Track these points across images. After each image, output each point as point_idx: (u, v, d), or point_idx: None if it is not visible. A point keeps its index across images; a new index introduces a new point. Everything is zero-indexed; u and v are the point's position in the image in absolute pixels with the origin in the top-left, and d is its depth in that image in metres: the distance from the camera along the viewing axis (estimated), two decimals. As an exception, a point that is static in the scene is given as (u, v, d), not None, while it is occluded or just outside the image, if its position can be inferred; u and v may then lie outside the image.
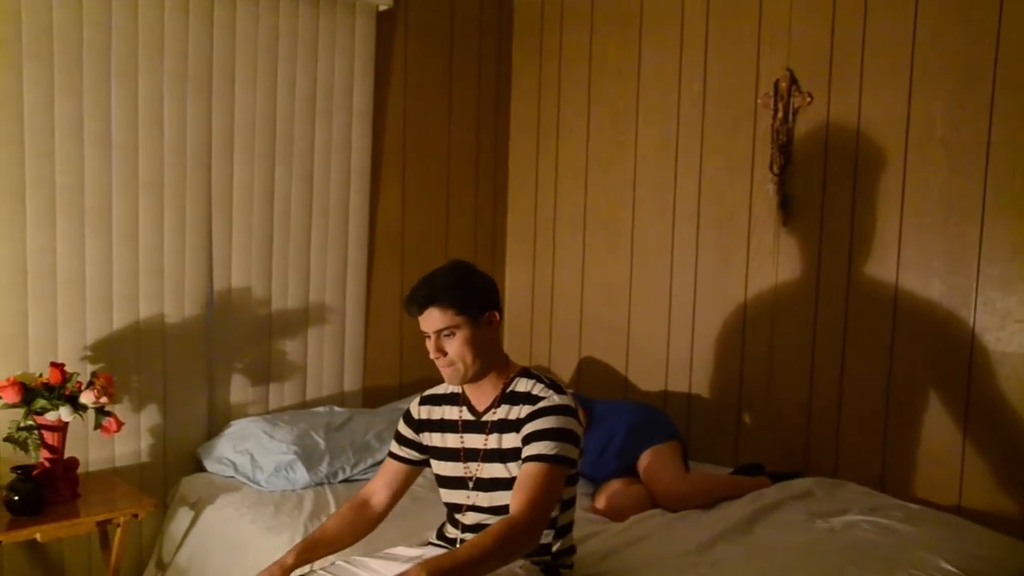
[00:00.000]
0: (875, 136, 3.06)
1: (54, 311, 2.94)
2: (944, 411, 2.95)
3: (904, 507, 2.84)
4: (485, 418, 2.19)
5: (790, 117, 3.24)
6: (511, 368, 2.23)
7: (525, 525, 1.99)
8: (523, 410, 2.13)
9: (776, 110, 3.26)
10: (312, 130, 3.51)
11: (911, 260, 3.00)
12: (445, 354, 2.13)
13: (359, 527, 2.29)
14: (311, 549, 2.20)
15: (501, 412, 2.17)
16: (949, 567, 2.36)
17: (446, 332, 2.12)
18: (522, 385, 2.18)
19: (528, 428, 2.09)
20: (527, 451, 2.07)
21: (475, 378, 2.17)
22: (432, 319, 2.12)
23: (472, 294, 2.14)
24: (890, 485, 3.06)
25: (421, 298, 2.13)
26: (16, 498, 2.62)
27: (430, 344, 2.15)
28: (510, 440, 2.14)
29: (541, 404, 2.11)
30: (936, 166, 2.93)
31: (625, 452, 3.16)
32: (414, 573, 1.90)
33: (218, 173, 3.27)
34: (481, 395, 2.21)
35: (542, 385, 2.16)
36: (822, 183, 3.19)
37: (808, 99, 3.20)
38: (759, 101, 3.33)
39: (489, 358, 2.17)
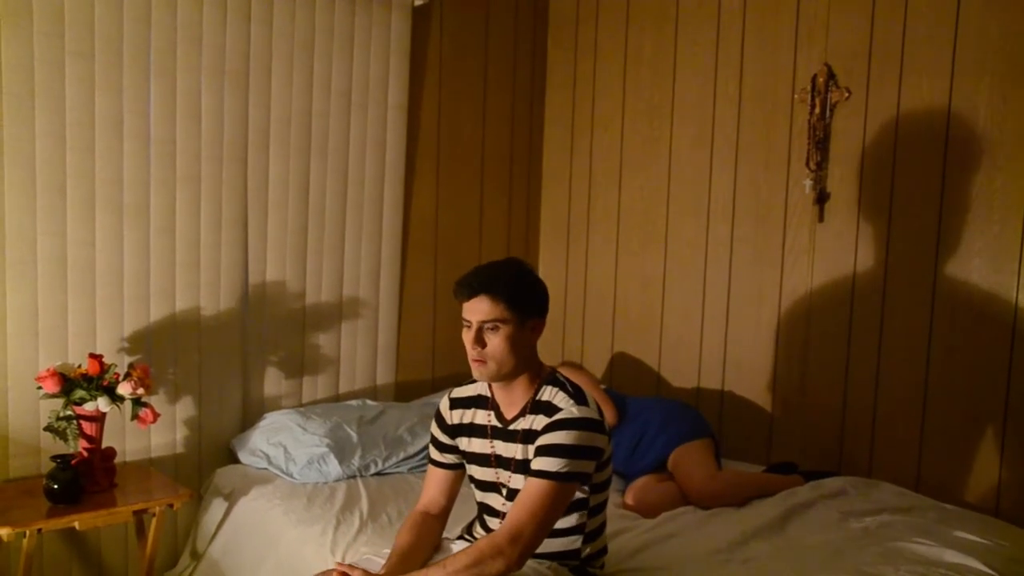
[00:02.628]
0: (914, 132, 3.02)
1: (93, 303, 2.99)
2: (983, 411, 2.90)
3: (940, 507, 2.81)
4: (514, 427, 2.16)
5: (827, 113, 3.21)
6: (543, 373, 2.18)
7: (499, 543, 1.97)
8: (543, 422, 2.08)
9: (813, 106, 3.23)
10: (347, 125, 3.53)
11: (950, 258, 2.95)
12: (483, 347, 2.09)
13: (431, 537, 2.26)
14: (397, 567, 2.13)
15: (528, 422, 2.13)
16: (985, 569, 2.32)
17: (490, 325, 2.07)
18: (547, 394, 2.13)
19: (541, 440, 2.05)
20: (534, 465, 2.04)
21: (504, 379, 2.13)
22: (480, 308, 2.07)
23: (527, 294, 2.10)
24: (926, 485, 3.02)
25: (476, 284, 2.07)
26: (55, 487, 2.66)
27: (468, 334, 2.10)
28: (532, 451, 2.10)
29: (558, 416, 2.06)
30: (977, 162, 2.88)
31: (657, 449, 3.15)
32: None
33: (254, 167, 3.30)
34: (510, 402, 2.17)
35: (564, 395, 2.11)
36: (859, 179, 3.16)
37: (846, 94, 3.16)
38: (796, 97, 3.29)
39: (524, 363, 2.12)
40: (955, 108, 2.92)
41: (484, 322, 2.07)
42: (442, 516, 2.31)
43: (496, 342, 2.07)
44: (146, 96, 3.03)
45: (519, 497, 2.04)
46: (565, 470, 2.01)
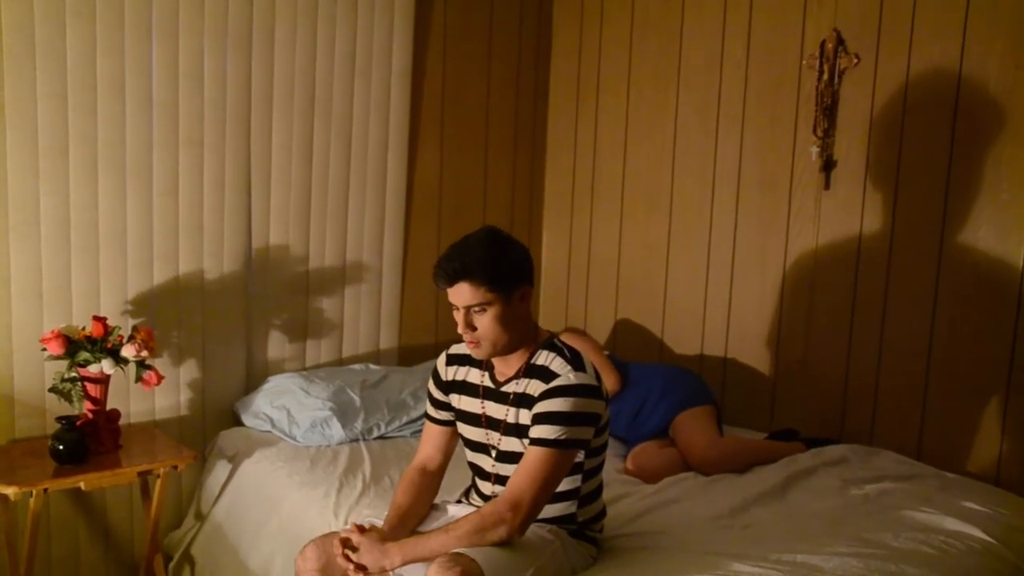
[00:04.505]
0: (923, 99, 2.99)
1: (96, 266, 2.99)
2: (985, 381, 2.90)
3: (941, 476, 2.82)
4: (505, 389, 2.17)
5: (836, 79, 3.18)
6: (539, 337, 2.18)
7: (501, 511, 1.99)
8: (539, 387, 2.08)
9: (821, 72, 3.19)
10: (351, 89, 3.50)
11: (957, 227, 2.94)
12: (474, 329, 2.07)
13: (428, 495, 2.29)
14: (396, 524, 2.18)
15: (522, 386, 2.13)
16: (986, 537, 2.34)
17: (476, 308, 2.05)
18: (543, 358, 2.13)
19: (538, 408, 2.06)
20: (532, 432, 2.05)
21: (502, 353, 2.13)
22: (462, 294, 2.05)
23: (507, 270, 2.05)
24: (927, 454, 3.02)
25: (453, 271, 2.03)
26: (61, 447, 2.68)
27: (459, 317, 2.08)
28: (527, 416, 2.11)
29: (555, 383, 2.06)
30: (987, 131, 2.85)
31: (659, 415, 3.16)
32: (393, 556, 2.00)
33: (257, 131, 3.29)
34: (505, 364, 2.18)
35: (561, 360, 2.10)
36: (866, 147, 3.13)
37: (855, 60, 3.13)
38: (804, 63, 3.26)
39: (519, 334, 2.11)
40: (965, 75, 2.88)
41: (470, 306, 2.06)
42: (438, 472, 2.33)
43: (486, 323, 2.06)
44: (148, 58, 3.01)
45: (520, 465, 2.05)
46: (564, 437, 2.02)
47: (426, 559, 1.98)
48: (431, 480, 2.31)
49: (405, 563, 2.02)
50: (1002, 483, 2.84)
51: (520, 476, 2.03)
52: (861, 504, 2.61)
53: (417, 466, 2.32)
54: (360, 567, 2.04)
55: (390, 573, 2.06)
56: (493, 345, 2.09)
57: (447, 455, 2.35)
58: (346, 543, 2.08)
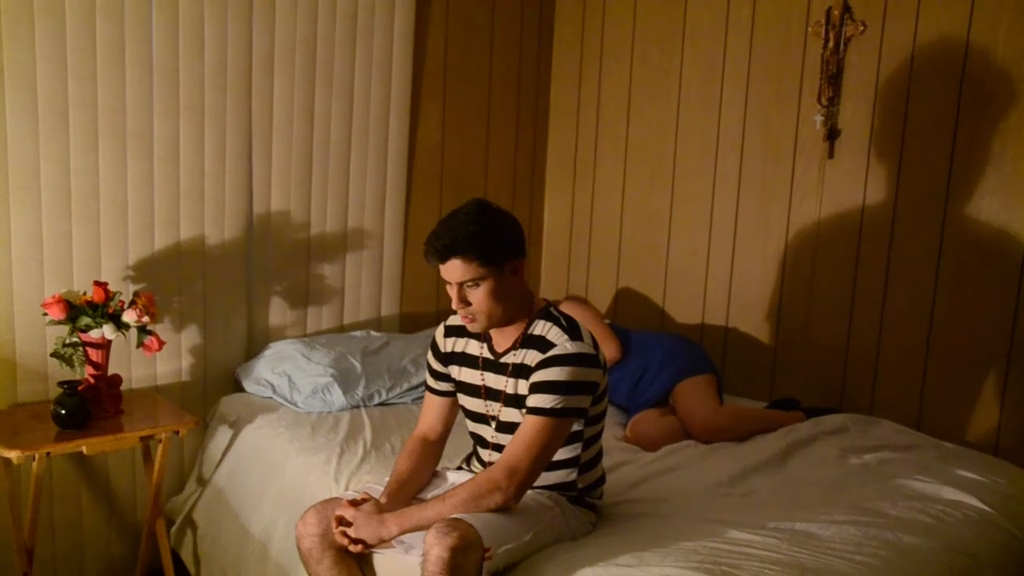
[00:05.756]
0: (930, 67, 2.96)
1: (97, 231, 2.98)
2: (986, 351, 2.90)
3: (940, 445, 2.83)
4: (504, 360, 2.17)
5: (841, 47, 3.15)
6: (535, 307, 2.18)
7: (496, 479, 2.00)
8: (536, 357, 2.09)
9: (827, 39, 3.16)
10: (352, 52, 3.47)
11: (960, 197, 2.92)
12: (469, 304, 2.07)
13: (429, 463, 2.32)
14: (399, 495, 2.20)
15: (519, 356, 2.14)
16: (983, 506, 2.35)
17: (470, 283, 2.05)
18: (539, 328, 2.13)
19: (535, 377, 2.06)
20: (529, 401, 2.06)
21: (498, 326, 2.14)
22: (454, 270, 2.04)
23: (498, 244, 2.04)
24: (926, 424, 3.03)
25: (443, 248, 2.02)
26: (63, 412, 2.68)
27: (452, 293, 2.08)
28: (526, 386, 2.12)
29: (552, 352, 2.06)
30: (994, 99, 2.83)
31: (660, 383, 3.16)
32: (390, 526, 2.03)
33: (258, 96, 3.26)
34: (502, 335, 2.18)
35: (558, 329, 2.10)
36: (871, 116, 3.11)
37: (861, 28, 3.09)
38: (810, 29, 3.23)
39: (514, 307, 2.11)
40: (973, 43, 2.86)
41: (463, 282, 2.05)
42: (439, 442, 2.35)
43: (479, 298, 2.06)
44: (148, 22, 2.98)
45: (517, 433, 2.06)
46: (560, 406, 2.03)
47: (423, 527, 1.99)
48: (432, 449, 2.33)
49: (402, 532, 2.04)
50: (1000, 453, 2.85)
51: (516, 444, 2.04)
52: (860, 473, 2.62)
53: (418, 436, 2.34)
54: (358, 541, 2.07)
55: (392, 543, 2.07)
56: (488, 319, 2.09)
57: (447, 425, 2.36)
58: (341, 521, 2.10)
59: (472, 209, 2.07)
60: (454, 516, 1.96)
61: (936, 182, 2.97)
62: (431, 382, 2.34)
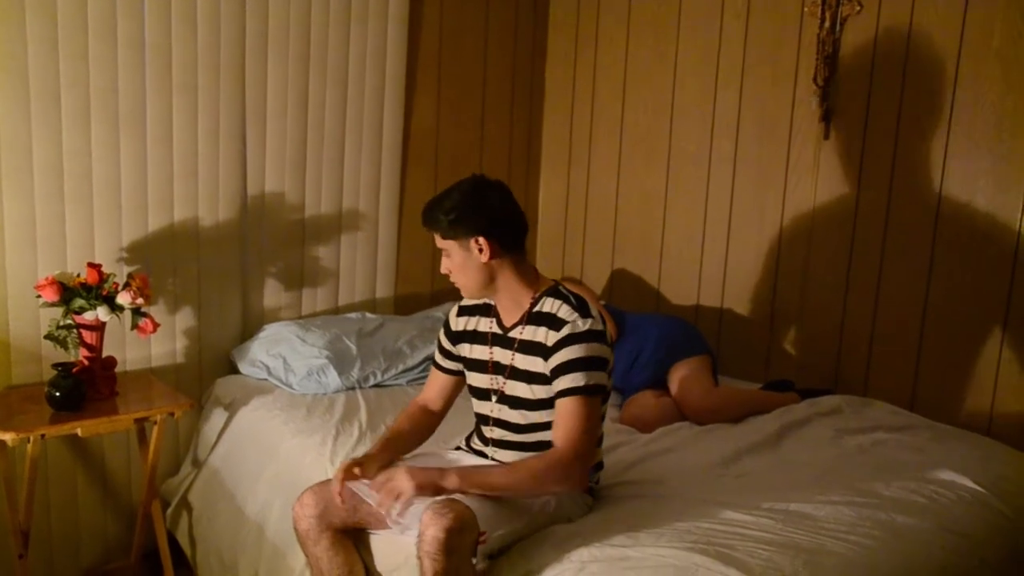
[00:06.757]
0: (926, 48, 2.95)
1: (91, 213, 2.97)
2: (981, 333, 2.91)
3: (933, 426, 2.84)
4: (511, 334, 2.21)
5: (837, 27, 3.13)
6: (540, 284, 2.21)
7: (567, 462, 2.04)
8: (548, 335, 2.12)
9: (823, 19, 3.15)
10: (347, 33, 3.45)
11: (956, 178, 2.92)
12: (448, 270, 2.21)
13: (425, 430, 2.40)
14: (393, 444, 2.29)
15: (527, 332, 2.17)
16: (975, 486, 2.36)
17: (443, 252, 2.18)
18: (548, 305, 2.16)
19: (557, 359, 2.09)
20: (559, 384, 2.08)
21: (480, 296, 2.22)
22: (435, 237, 2.19)
23: (464, 219, 2.11)
24: (920, 405, 3.04)
25: (423, 216, 2.18)
26: (57, 394, 2.68)
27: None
28: (534, 363, 2.15)
29: (567, 331, 2.09)
30: (990, 81, 2.82)
31: (655, 365, 3.17)
32: (450, 478, 2.00)
33: (252, 77, 3.24)
34: (508, 310, 2.23)
35: (568, 308, 2.13)
36: (867, 97, 3.10)
37: (858, 8, 3.08)
38: (806, 10, 3.21)
39: (483, 281, 2.18)
40: (969, 23, 2.84)
41: (442, 250, 2.19)
42: (438, 415, 2.43)
43: (449, 266, 2.19)
44: (140, 1, 2.95)
45: (556, 419, 2.09)
46: (591, 383, 2.07)
47: (484, 490, 2.01)
48: (431, 419, 2.41)
49: (461, 488, 2.01)
50: (993, 434, 2.86)
51: (563, 430, 2.07)
52: (854, 454, 2.63)
53: (420, 403, 2.43)
54: (389, 496, 2.01)
55: (388, 523, 2.07)
56: (462, 286, 2.22)
57: (448, 402, 2.42)
58: (349, 475, 2.11)
59: (464, 183, 2.18)
60: (450, 497, 1.96)
61: (932, 163, 2.97)
62: (438, 358, 2.41)
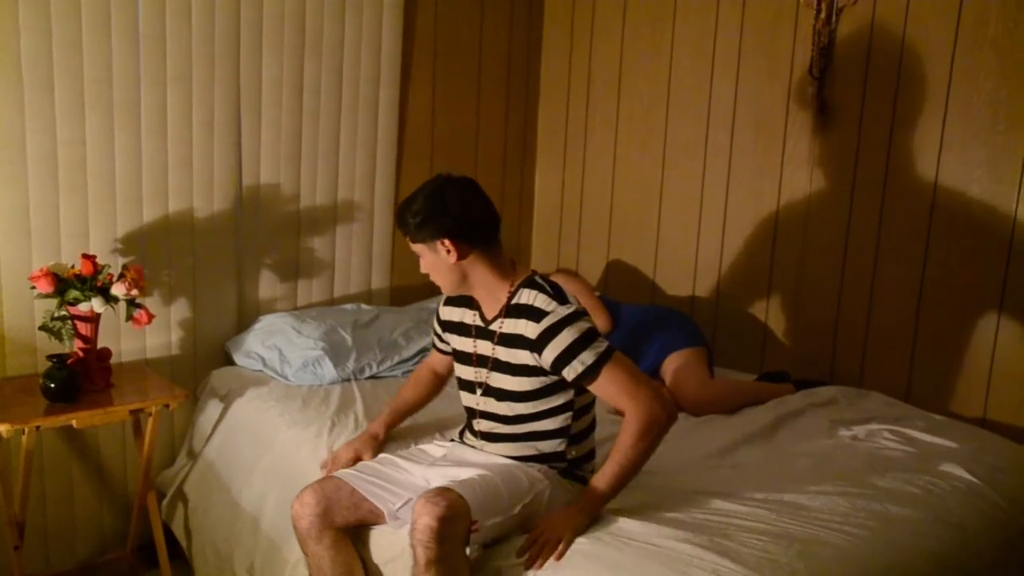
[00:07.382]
0: (922, 38, 2.95)
1: (85, 204, 2.95)
2: (976, 323, 2.91)
3: (928, 417, 2.84)
4: (492, 327, 2.21)
5: (833, 17, 3.13)
6: (516, 276, 2.21)
7: (654, 416, 2.06)
8: (528, 327, 2.11)
9: (819, 10, 3.14)
10: (342, 23, 3.43)
11: (952, 168, 2.92)
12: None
13: (432, 391, 2.60)
14: (396, 418, 2.52)
15: (508, 325, 2.16)
16: (970, 477, 2.37)
17: (418, 254, 2.22)
18: (525, 296, 2.16)
19: (552, 351, 2.08)
20: (572, 372, 2.08)
21: (458, 292, 2.24)
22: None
23: (428, 223, 2.13)
24: (915, 396, 3.05)
25: (396, 219, 2.24)
26: (52, 385, 2.67)
27: None
28: (517, 355, 2.15)
29: (550, 321, 2.08)
30: (985, 71, 2.82)
31: (650, 356, 3.17)
32: (575, 517, 2.02)
33: (247, 66, 3.23)
34: (488, 304, 2.23)
35: (545, 297, 2.13)
36: (863, 87, 3.10)
37: (853, -1, 3.08)
38: (802, 1, 3.20)
39: (457, 280, 2.19)
40: (965, 12, 2.84)
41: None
42: (443, 376, 2.60)
43: (423, 265, 2.22)
44: (134, -10, 2.94)
45: (613, 396, 2.10)
46: (600, 352, 2.07)
47: (609, 499, 2.08)
48: (437, 380, 2.59)
49: (608, 499, 2.08)
50: (988, 425, 2.87)
51: (622, 399, 2.08)
52: (849, 445, 2.63)
53: (426, 366, 2.60)
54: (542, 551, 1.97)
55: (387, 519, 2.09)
56: (440, 286, 2.24)
57: (450, 371, 2.52)
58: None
59: (425, 186, 2.19)
60: (443, 486, 1.96)
61: (927, 154, 2.97)
62: (436, 342, 2.52)
